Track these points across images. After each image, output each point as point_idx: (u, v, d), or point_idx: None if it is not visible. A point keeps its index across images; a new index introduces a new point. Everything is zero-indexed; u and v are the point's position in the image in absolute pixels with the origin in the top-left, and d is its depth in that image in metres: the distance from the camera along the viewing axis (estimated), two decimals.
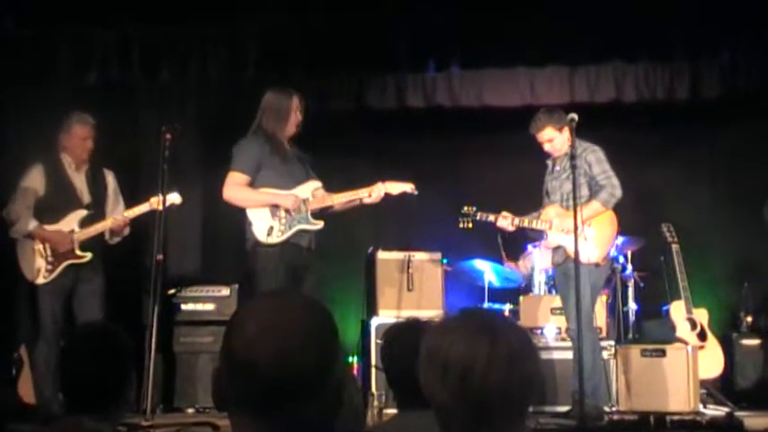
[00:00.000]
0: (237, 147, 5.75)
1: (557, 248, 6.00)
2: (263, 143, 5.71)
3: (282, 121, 5.75)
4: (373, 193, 5.81)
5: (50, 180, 6.03)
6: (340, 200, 5.80)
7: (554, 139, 5.93)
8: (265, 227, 5.65)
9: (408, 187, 5.91)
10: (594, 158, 5.90)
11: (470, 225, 6.15)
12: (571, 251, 5.62)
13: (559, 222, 5.91)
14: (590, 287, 5.80)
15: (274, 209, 5.67)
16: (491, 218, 6.09)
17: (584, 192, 5.88)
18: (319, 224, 5.75)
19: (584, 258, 5.61)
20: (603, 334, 6.69)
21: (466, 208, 6.16)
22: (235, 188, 5.66)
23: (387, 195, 5.86)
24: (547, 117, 5.99)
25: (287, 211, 5.66)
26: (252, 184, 5.68)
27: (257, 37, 7.29)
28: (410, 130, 7.90)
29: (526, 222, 6.04)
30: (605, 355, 6.38)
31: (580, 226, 5.51)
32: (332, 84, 7.45)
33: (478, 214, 6.14)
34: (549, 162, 6.10)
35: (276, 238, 5.63)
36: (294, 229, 5.67)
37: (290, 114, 5.77)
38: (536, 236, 6.85)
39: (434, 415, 1.64)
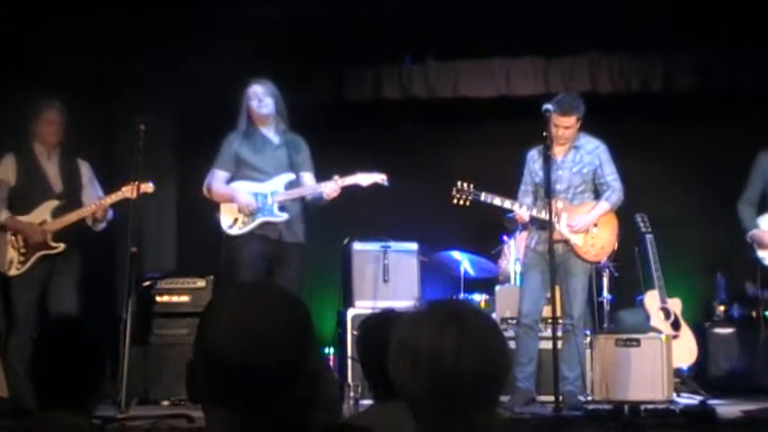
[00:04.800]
0: (221, 142, 6.08)
1: (558, 241, 5.81)
2: (242, 136, 6.02)
3: (248, 111, 6.02)
4: (326, 189, 5.91)
5: (22, 170, 5.98)
6: (302, 193, 5.98)
7: (572, 127, 5.84)
8: (230, 218, 5.97)
9: (379, 177, 5.98)
10: (606, 157, 5.93)
11: (467, 203, 5.89)
12: (576, 247, 5.84)
13: (567, 217, 5.86)
14: (588, 283, 6.00)
15: None
16: (507, 204, 5.86)
17: (590, 187, 5.95)
18: (283, 216, 5.94)
19: (588, 256, 5.89)
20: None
21: (461, 183, 5.89)
22: (209, 184, 6.03)
23: (356, 187, 5.94)
24: (578, 105, 5.85)
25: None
26: (234, 177, 6.02)
27: (233, 30, 7.26)
28: (386, 122, 7.90)
29: (534, 212, 5.88)
30: None
31: (590, 225, 5.84)
32: (309, 76, 7.44)
33: (489, 196, 5.86)
34: (543, 151, 5.87)
35: (238, 229, 5.93)
36: (257, 222, 5.92)
37: (247, 104, 6.01)
38: (512, 226, 6.87)
39: (407, 407, 1.64)
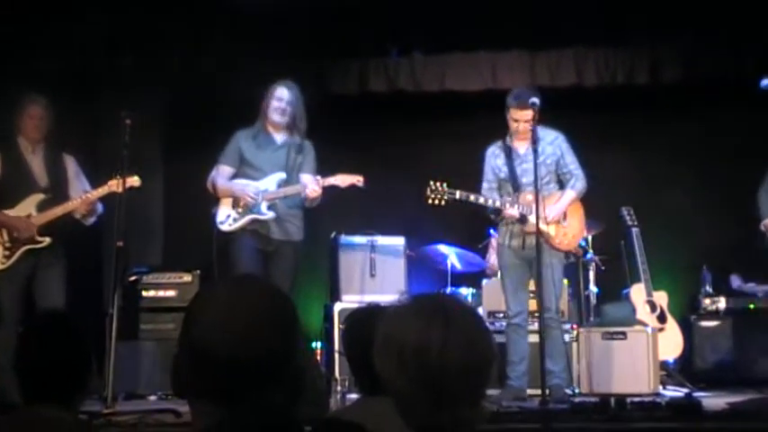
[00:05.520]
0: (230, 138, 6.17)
1: (531, 234, 5.85)
2: (251, 133, 6.11)
3: (263, 110, 6.08)
4: (307, 189, 5.97)
5: (7, 163, 5.95)
6: (287, 193, 6.04)
7: (531, 120, 5.88)
8: (225, 214, 6.07)
9: (356, 179, 6.02)
10: (566, 146, 6.01)
11: (442, 203, 5.87)
12: (550, 238, 5.88)
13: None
14: (562, 273, 6.07)
15: (236, 199, 6.06)
16: (481, 200, 5.87)
17: (554, 178, 6.01)
18: (270, 214, 6.01)
19: (562, 246, 5.97)
20: (565, 317, 6.75)
21: (434, 183, 5.86)
22: (214, 179, 6.11)
23: (334, 188, 5.98)
24: (538, 97, 5.85)
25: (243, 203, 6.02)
26: (237, 173, 6.10)
27: (219, 24, 7.24)
28: (372, 116, 7.89)
29: (507, 207, 5.92)
30: (567, 338, 6.46)
31: (561, 214, 5.90)
32: (294, 70, 7.41)
33: (464, 194, 5.87)
34: (507, 145, 6.01)
35: (229, 226, 6.03)
36: (246, 218, 6.02)
37: (266, 104, 6.05)
38: (499, 220, 6.87)
39: (393, 401, 1.64)
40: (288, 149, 6.09)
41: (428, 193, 5.87)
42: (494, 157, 6.06)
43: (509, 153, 6.00)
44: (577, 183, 6.01)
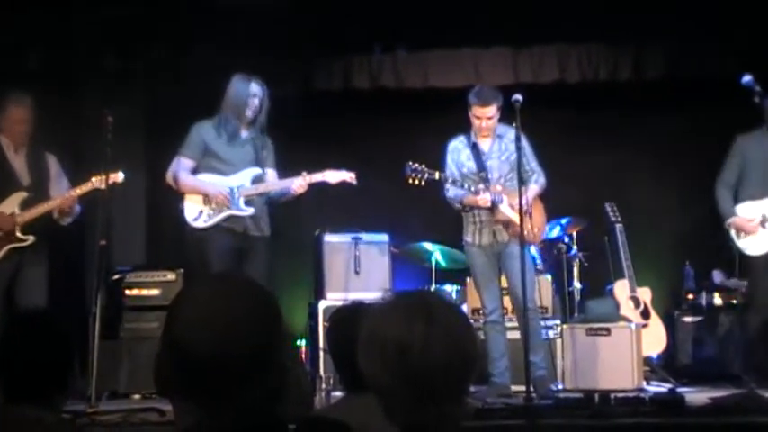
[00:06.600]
0: (189, 130, 5.94)
1: (503, 226, 5.96)
2: (214, 126, 5.91)
3: (235, 105, 5.90)
4: (293, 185, 5.89)
5: None
6: (268, 189, 5.93)
7: (493, 117, 5.94)
8: (195, 211, 5.86)
9: (348, 176, 5.97)
10: (526, 143, 6.00)
11: (422, 183, 5.85)
12: (518, 230, 5.77)
13: (507, 198, 5.92)
14: (532, 264, 6.11)
15: (207, 196, 5.86)
16: (472, 189, 5.89)
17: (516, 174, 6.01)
18: (249, 211, 5.88)
19: (529, 238, 5.88)
20: (549, 313, 6.77)
21: (413, 164, 5.83)
22: (176, 173, 5.89)
23: (324, 184, 5.93)
24: (496, 94, 5.96)
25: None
26: (198, 167, 5.88)
27: (202, 21, 7.21)
28: (356, 113, 7.89)
29: (481, 193, 5.95)
30: (551, 334, 6.49)
31: (529, 206, 5.82)
32: (278, 67, 7.41)
33: (443, 175, 5.91)
34: (473, 141, 6.03)
35: (203, 222, 5.84)
36: (223, 215, 5.84)
37: (243, 100, 5.88)
38: (466, 209, 6.90)
39: (377, 399, 1.64)
40: (253, 144, 5.96)
41: (408, 172, 5.84)
42: (457, 152, 6.10)
43: (474, 148, 6.03)
44: (540, 178, 6.09)
